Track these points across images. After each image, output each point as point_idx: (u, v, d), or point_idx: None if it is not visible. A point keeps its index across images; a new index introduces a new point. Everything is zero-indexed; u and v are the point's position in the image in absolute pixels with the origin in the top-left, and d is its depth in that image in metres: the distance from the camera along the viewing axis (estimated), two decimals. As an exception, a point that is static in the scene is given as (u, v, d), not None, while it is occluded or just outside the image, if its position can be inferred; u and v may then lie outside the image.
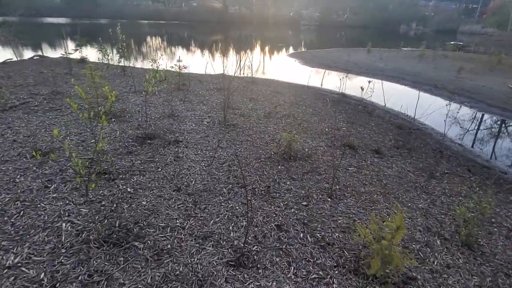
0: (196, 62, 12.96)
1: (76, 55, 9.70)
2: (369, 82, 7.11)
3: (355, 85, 10.11)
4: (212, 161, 3.79)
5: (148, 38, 30.04)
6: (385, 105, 8.12)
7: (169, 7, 72.18)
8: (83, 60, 9.46)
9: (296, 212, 2.95)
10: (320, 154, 4.44)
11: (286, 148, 4.23)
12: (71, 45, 14.17)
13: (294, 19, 71.34)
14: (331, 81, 11.03)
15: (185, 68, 7.91)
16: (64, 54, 7.73)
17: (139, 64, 12.11)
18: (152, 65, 9.53)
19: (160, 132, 4.55)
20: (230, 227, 2.62)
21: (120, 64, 8.92)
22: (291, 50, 22.98)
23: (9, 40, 13.96)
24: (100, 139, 2.73)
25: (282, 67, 13.97)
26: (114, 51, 8.89)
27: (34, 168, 3.20)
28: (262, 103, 6.98)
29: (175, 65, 7.47)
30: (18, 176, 3.02)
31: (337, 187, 3.53)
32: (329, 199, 3.24)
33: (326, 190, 3.41)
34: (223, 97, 6.98)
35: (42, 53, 11.58)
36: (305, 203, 3.13)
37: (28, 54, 13.04)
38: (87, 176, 2.68)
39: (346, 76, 8.93)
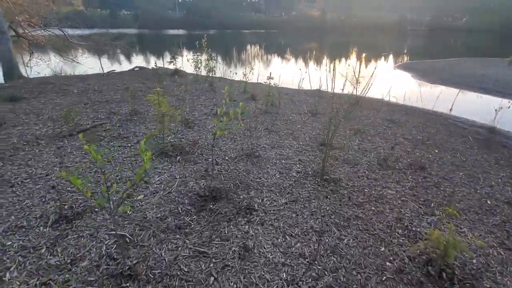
0: (288, 73, 11.53)
1: (166, 65, 9.46)
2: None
3: (506, 115, 7.02)
4: (303, 271, 2.17)
5: (245, 46, 30.42)
6: None
7: (269, 16, 73.91)
8: (176, 72, 9.09)
9: None
10: (497, 270, 2.34)
11: (431, 252, 2.31)
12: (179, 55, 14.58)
13: (399, 24, 63.94)
14: (466, 105, 8.07)
15: (275, 84, 6.54)
16: (156, 67, 7.28)
17: (231, 75, 11.36)
18: (243, 76, 8.55)
19: (231, 185, 3.17)
20: None
21: (210, 75, 8.14)
22: (399, 59, 19.57)
23: (123, 51, 15.17)
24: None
25: (392, 83, 11.34)
26: (204, 62, 8.17)
27: (43, 250, 2.15)
28: (372, 139, 5.01)
29: (265, 82, 6.14)
30: (13, 266, 2.00)
31: None
32: None
33: None
34: (320, 127, 5.31)
35: (158, 63, 11.98)
36: None
37: (145, 63, 13.89)
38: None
39: (503, 107, 5.99)
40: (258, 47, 31.95)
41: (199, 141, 4.23)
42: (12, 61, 8.34)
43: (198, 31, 52.34)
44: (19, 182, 2.96)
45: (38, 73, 10.79)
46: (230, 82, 9.36)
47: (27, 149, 3.61)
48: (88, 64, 12.72)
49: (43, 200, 2.72)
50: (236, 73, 10.92)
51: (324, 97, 8.15)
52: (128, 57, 16.70)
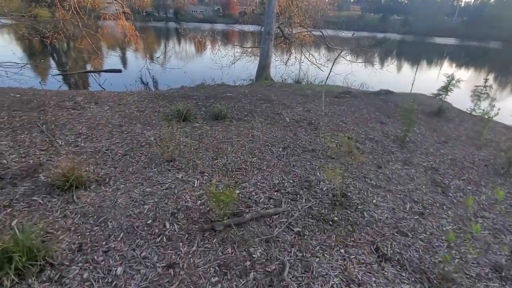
0: None
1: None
2: None
3: None
4: None
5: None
6: None
7: None
8: (440, 111, 5.45)
9: None
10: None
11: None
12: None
13: None
14: None
15: None
16: (412, 103, 4.42)
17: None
18: None
19: None
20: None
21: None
22: None
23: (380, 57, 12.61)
24: None
25: None
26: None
27: None
28: None
29: None
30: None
31: None
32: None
33: None
34: None
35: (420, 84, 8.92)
36: None
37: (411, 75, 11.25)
38: None
39: None
40: None
41: None
42: (267, 61, 8.23)
43: (473, 41, 39.95)
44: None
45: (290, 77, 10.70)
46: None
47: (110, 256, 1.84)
48: (337, 70, 11.48)
49: None
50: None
51: None
52: (383, 67, 14.10)
